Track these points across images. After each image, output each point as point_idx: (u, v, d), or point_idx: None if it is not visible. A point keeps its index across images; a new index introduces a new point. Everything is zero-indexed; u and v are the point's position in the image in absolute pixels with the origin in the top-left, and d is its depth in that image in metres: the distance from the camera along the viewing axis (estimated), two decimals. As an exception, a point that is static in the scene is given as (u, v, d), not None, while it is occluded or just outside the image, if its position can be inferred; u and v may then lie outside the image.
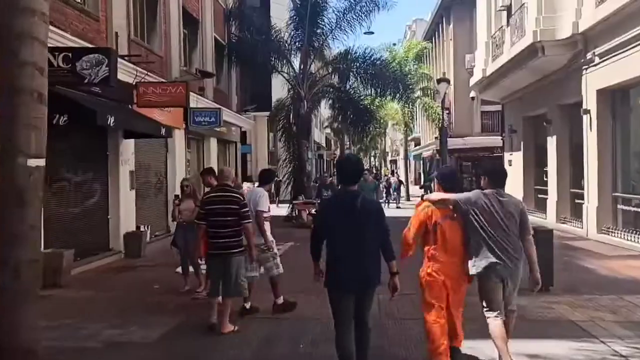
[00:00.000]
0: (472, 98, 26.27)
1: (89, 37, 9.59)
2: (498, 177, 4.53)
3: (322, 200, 4.91)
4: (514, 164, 19.04)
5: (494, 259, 4.22)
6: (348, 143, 54.80)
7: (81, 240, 9.62)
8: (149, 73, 11.20)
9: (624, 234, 11.58)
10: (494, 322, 4.24)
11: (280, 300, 6.35)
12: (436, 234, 4.33)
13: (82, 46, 8.68)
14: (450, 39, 30.97)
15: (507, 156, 20.06)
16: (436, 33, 35.73)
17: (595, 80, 12.48)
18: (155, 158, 13.09)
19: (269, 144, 31.79)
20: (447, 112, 28.72)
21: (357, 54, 19.27)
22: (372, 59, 19.32)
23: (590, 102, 12.76)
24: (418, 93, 30.14)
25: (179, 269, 7.99)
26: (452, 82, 26.25)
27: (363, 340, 4.08)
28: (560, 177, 15.01)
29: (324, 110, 48.71)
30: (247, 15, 18.79)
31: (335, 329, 4.07)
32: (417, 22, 49.81)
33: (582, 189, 13.83)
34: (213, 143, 17.14)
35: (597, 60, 12.35)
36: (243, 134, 29.59)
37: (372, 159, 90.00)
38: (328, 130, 56.42)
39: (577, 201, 14.51)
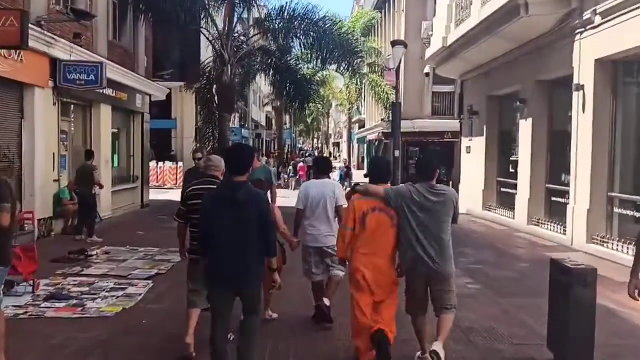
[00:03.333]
0: (427, 74, 23.42)
1: None
2: (424, 169, 4.37)
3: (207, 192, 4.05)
4: (474, 150, 16.33)
5: (418, 256, 4.12)
6: (288, 123, 51.52)
7: None
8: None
9: (622, 246, 8.94)
10: (418, 321, 4.30)
11: (328, 302, 5.43)
12: (363, 226, 4.21)
13: None
14: (402, 10, 27.94)
15: (465, 142, 17.34)
16: (386, 5, 32.65)
17: (594, 47, 9.69)
18: (-1, 127, 9.32)
19: (197, 118, 28.12)
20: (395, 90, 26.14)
21: (296, 12, 15.83)
22: (314, 18, 15.93)
23: (584, 75, 9.98)
24: (365, 69, 27.22)
25: None
26: (402, 59, 23.36)
27: (247, 328, 3.87)
28: (534, 169, 12.28)
29: (264, 86, 45.25)
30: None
31: (210, 324, 3.83)
32: (366, -4, 46.89)
33: (564, 185, 11.19)
34: (106, 111, 13.35)
35: (597, 20, 9.54)
36: (165, 107, 25.85)
37: (315, 140, 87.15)
38: (269, 109, 52.87)
39: (554, 199, 11.88)
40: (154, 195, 17.78)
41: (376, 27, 32.72)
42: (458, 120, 18.70)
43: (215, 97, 16.02)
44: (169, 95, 23.36)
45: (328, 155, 69.53)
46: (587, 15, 9.78)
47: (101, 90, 11.98)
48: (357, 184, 4.82)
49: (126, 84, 14.10)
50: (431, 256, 4.08)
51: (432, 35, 17.96)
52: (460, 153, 18.41)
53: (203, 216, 3.86)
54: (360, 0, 48.17)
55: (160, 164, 24.81)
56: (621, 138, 9.65)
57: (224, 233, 3.68)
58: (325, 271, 5.47)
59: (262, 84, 43.54)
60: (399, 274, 4.32)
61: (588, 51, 9.85)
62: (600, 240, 9.61)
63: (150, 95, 16.58)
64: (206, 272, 3.87)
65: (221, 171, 4.64)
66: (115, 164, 14.71)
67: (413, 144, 28.60)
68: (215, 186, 4.42)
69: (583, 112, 10.03)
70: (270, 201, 5.32)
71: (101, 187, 10.84)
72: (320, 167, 5.84)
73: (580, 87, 10.03)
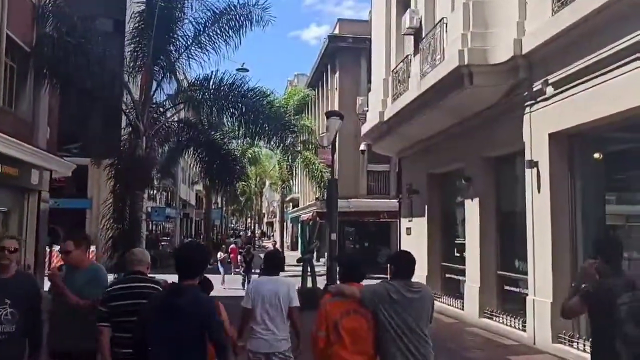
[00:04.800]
0: (362, 152, 22.61)
1: None
2: (405, 266, 4.05)
3: (150, 295, 3.62)
4: (415, 232, 15.08)
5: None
6: (219, 202, 49.54)
7: None
8: None
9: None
10: None
11: None
12: (338, 330, 3.82)
13: None
14: (336, 89, 27.62)
15: (404, 222, 16.10)
16: (320, 83, 32.43)
17: (547, 120, 8.79)
18: None
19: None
20: (330, 169, 25.27)
21: (224, 81, 14.54)
22: (243, 89, 14.66)
23: (538, 151, 9.01)
24: (299, 147, 26.35)
25: None
26: (337, 137, 22.58)
27: None
28: (484, 254, 11.05)
29: (195, 163, 43.49)
30: (67, 15, 13.38)
31: None
32: (299, 76, 47.47)
33: (519, 272, 9.97)
34: (-13, 189, 11.18)
35: (549, 92, 8.71)
36: (81, 185, 23.46)
37: (249, 220, 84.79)
38: (199, 187, 50.85)
39: (507, 289, 10.60)
40: (52, 285, 15.17)
41: (310, 105, 32.30)
42: (397, 200, 17.60)
43: (129, 173, 14.11)
44: (85, 173, 21.17)
45: (261, 235, 67.29)
46: (537, 86, 8.95)
47: (-22, 164, 9.94)
48: (328, 284, 4.02)
49: (18, 157, 11.98)
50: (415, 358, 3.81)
51: (367, 110, 17.14)
52: (397, 234, 17.19)
53: (140, 322, 3.49)
54: (294, 81, 48.49)
55: (69, 248, 22.10)
56: (582, 221, 8.59)
57: (161, 348, 3.33)
58: None
59: (192, 162, 41.87)
60: None
61: (540, 125, 8.94)
62: (569, 341, 8.25)
63: (51, 172, 14.45)
64: None
65: (146, 265, 4.35)
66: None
67: (349, 223, 27.49)
68: (142, 283, 4.16)
69: (539, 192, 8.96)
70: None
71: None
72: (271, 263, 5.36)
73: (534, 164, 9.02)
